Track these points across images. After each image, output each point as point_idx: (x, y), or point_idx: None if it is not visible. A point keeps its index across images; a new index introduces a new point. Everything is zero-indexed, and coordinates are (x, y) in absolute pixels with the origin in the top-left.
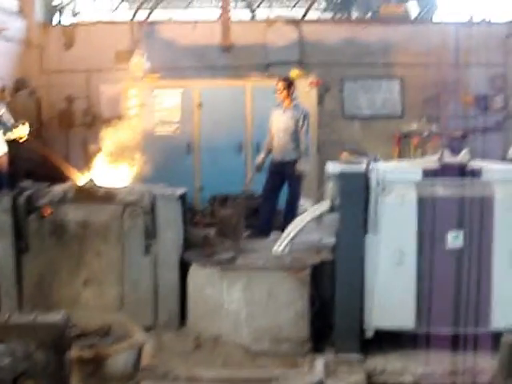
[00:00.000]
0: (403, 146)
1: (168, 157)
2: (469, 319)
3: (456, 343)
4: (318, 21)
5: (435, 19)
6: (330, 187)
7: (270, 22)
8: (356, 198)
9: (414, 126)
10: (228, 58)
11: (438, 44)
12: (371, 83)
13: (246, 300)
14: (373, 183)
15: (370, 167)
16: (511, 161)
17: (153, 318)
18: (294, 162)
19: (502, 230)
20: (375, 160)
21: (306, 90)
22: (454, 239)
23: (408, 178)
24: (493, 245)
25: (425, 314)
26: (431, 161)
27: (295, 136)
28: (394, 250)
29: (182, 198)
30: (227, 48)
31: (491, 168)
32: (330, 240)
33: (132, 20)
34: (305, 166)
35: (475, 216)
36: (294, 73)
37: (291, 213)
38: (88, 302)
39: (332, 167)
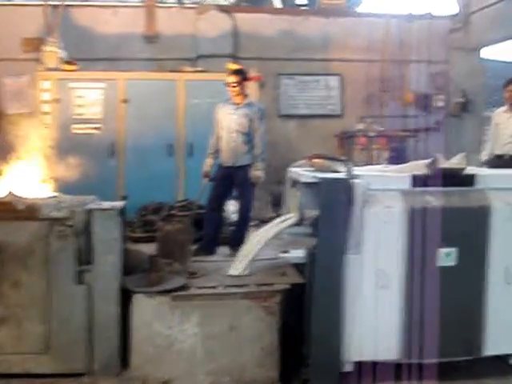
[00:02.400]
0: (347, 146)
1: (87, 160)
2: (460, 346)
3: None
4: (253, 9)
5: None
6: (297, 197)
7: (200, 10)
8: (339, 211)
9: (359, 126)
10: (152, 50)
11: (380, 38)
12: (309, 80)
13: (203, 335)
14: (357, 193)
15: (353, 174)
16: (484, 164)
17: (87, 361)
18: (247, 168)
19: (498, 243)
20: (347, 166)
21: None
22: (446, 257)
23: (395, 187)
24: (488, 261)
25: (411, 343)
26: (420, 166)
27: (249, 137)
28: (378, 272)
29: (121, 212)
30: (151, 38)
31: (486, 174)
32: (289, 256)
33: (44, 3)
34: (260, 173)
35: (470, 229)
36: (229, 66)
37: (243, 226)
38: (4, 345)
39: (302, 174)
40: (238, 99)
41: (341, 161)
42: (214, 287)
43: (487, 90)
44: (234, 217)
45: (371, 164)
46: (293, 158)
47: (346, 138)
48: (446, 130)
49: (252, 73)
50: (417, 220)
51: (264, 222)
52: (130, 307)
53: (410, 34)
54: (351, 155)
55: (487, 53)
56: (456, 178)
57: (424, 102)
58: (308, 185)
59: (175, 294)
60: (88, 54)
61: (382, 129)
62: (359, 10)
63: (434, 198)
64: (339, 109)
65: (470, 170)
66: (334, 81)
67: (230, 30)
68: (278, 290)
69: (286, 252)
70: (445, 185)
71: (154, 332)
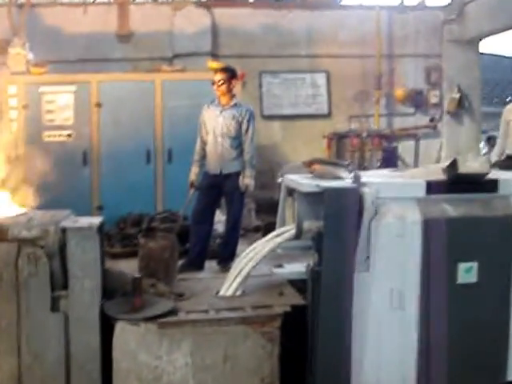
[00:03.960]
0: (337, 148)
1: (59, 169)
2: (484, 373)
3: None
4: (233, 3)
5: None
6: (294, 207)
7: (176, 6)
8: (346, 223)
9: (350, 126)
10: (126, 50)
11: (369, 32)
12: (294, 77)
13: (195, 366)
14: (367, 203)
15: (361, 181)
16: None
17: None
18: (236, 175)
19: None
20: (350, 170)
21: None
22: (466, 272)
23: (408, 195)
24: None
25: (430, 371)
26: (435, 171)
27: (237, 142)
28: (391, 291)
29: (100, 229)
30: (125, 37)
31: (509, 180)
32: (285, 272)
33: (9, 2)
34: (250, 181)
35: (492, 241)
36: (211, 65)
37: (232, 239)
38: None
39: (300, 182)
40: (224, 99)
41: (343, 166)
42: (205, 311)
43: (485, 85)
44: (220, 226)
45: (364, 166)
46: (277, 162)
47: (337, 139)
48: (442, 128)
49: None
50: (433, 232)
51: (248, 230)
52: (112, 336)
53: (402, 26)
54: (342, 157)
55: (482, 46)
56: (477, 184)
57: (417, 99)
58: (306, 194)
59: (162, 320)
60: (58, 55)
61: (375, 128)
62: (347, 1)
63: (453, 207)
64: (327, 108)
65: (493, 173)
66: (320, 78)
67: (208, 27)
68: (277, 313)
69: (280, 267)
70: (464, 191)
71: (140, 363)
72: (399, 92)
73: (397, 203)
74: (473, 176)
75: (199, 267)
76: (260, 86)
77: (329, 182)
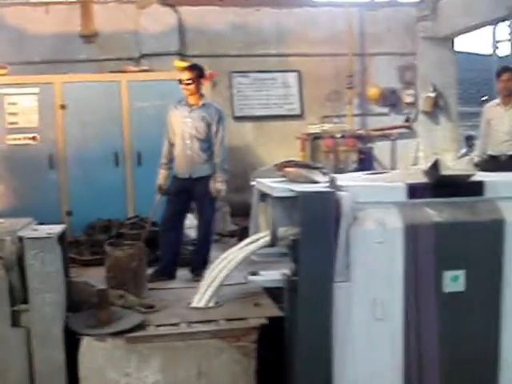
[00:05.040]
0: (311, 149)
1: (25, 173)
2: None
3: None
4: (199, 1)
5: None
6: (268, 213)
7: (141, 4)
8: (323, 230)
9: (324, 126)
10: (91, 50)
11: (341, 30)
12: (265, 77)
13: (167, 383)
14: (345, 208)
15: (337, 185)
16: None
17: None
18: (206, 179)
19: None
20: (324, 173)
21: None
22: (453, 281)
23: (388, 199)
24: (502, 284)
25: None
26: (416, 173)
27: (207, 144)
28: (374, 301)
29: (62, 238)
30: (90, 37)
31: (496, 181)
32: (260, 279)
33: None
34: (221, 185)
35: (479, 247)
36: (178, 64)
37: (204, 247)
38: None
39: (273, 186)
40: (192, 99)
41: (317, 168)
42: (176, 324)
43: (460, 85)
44: (191, 232)
45: (339, 168)
46: (251, 164)
47: (310, 140)
48: (418, 128)
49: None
50: (416, 238)
51: (224, 236)
52: (77, 353)
53: (373, 24)
54: (317, 158)
55: (456, 45)
56: (461, 187)
57: (391, 98)
58: (280, 199)
59: (131, 335)
60: (20, 56)
61: (349, 128)
62: None
63: (436, 212)
64: (299, 108)
65: (477, 175)
66: (291, 78)
67: (174, 26)
68: (253, 326)
69: (255, 274)
70: (448, 195)
71: (108, 381)
72: (372, 91)
73: (377, 208)
74: (457, 178)
75: (170, 276)
76: (230, 86)
77: (303, 186)
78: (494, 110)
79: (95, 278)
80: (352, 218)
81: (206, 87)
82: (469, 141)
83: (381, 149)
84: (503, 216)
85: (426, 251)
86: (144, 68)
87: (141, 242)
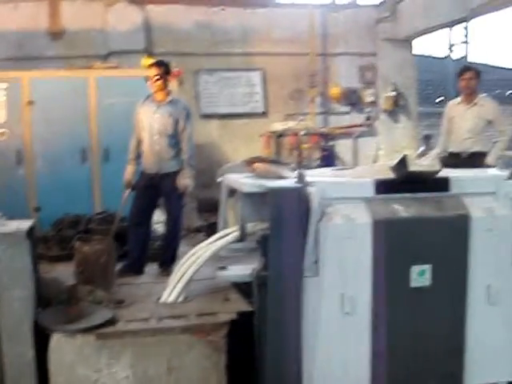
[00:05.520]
0: (275, 146)
1: None
2: (438, 378)
3: None
4: (166, 0)
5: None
6: (237, 208)
7: (108, 2)
8: (293, 226)
9: (288, 124)
10: (59, 47)
11: (303, 30)
12: (230, 76)
13: (137, 379)
14: (313, 203)
15: (306, 180)
16: None
17: None
18: (174, 175)
19: (479, 258)
20: (292, 169)
21: None
22: (419, 276)
23: (356, 195)
24: (467, 279)
25: (382, 377)
26: (383, 169)
27: (174, 140)
28: (342, 296)
29: (30, 233)
30: (58, 34)
31: (460, 177)
32: (229, 274)
33: None
34: (189, 181)
35: (445, 242)
36: (146, 61)
37: (173, 242)
38: None
39: (243, 182)
40: (160, 96)
41: (285, 164)
42: (146, 320)
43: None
44: (158, 227)
45: (303, 165)
46: (217, 160)
47: (274, 138)
48: (378, 126)
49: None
50: (384, 233)
51: (191, 231)
52: (47, 349)
53: (335, 24)
54: (280, 156)
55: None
56: (428, 183)
57: (352, 97)
58: (249, 194)
59: (101, 331)
60: None
61: (312, 126)
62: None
63: (403, 207)
64: (263, 106)
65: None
66: (256, 76)
67: (141, 24)
68: (223, 321)
69: (223, 269)
70: (415, 190)
71: (78, 377)
72: (334, 90)
73: (345, 204)
74: (424, 174)
75: (139, 271)
76: (196, 84)
77: (272, 182)
78: (456, 108)
79: (64, 273)
80: (321, 214)
81: (172, 85)
82: (427, 139)
83: (342, 146)
84: (468, 211)
85: (394, 246)
86: (112, 65)
87: (110, 237)
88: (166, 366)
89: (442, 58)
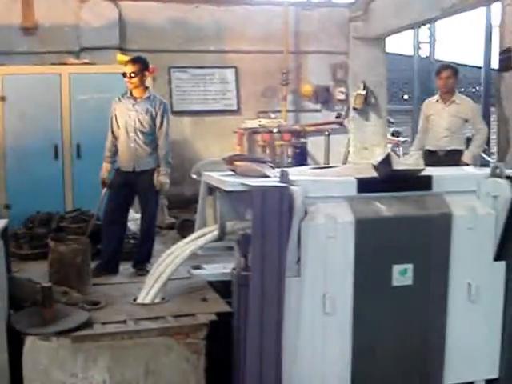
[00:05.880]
0: (248, 143)
1: None
2: (418, 377)
3: None
4: None
5: None
6: (216, 207)
7: None
8: (277, 225)
9: (261, 121)
10: (31, 43)
11: (277, 28)
12: (203, 73)
13: (114, 382)
14: (297, 202)
15: (290, 179)
16: None
17: None
18: (150, 173)
19: (460, 256)
20: (274, 167)
21: None
22: (401, 275)
23: (339, 193)
24: (448, 277)
25: (364, 377)
26: (365, 168)
27: (151, 137)
28: (324, 296)
29: (4, 233)
30: (31, 30)
31: (442, 176)
32: (204, 273)
33: None
34: (165, 178)
35: (428, 241)
36: (120, 58)
37: (148, 241)
38: None
39: (224, 180)
40: (137, 92)
41: (266, 162)
42: (123, 322)
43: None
44: (130, 225)
45: (276, 162)
46: (188, 158)
47: (247, 135)
48: (349, 124)
49: None
50: (366, 233)
51: (162, 228)
52: (21, 352)
53: (308, 23)
54: (253, 153)
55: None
56: (410, 181)
57: (324, 95)
58: (229, 193)
59: (77, 334)
60: None
61: (285, 123)
62: None
63: (386, 206)
64: (235, 103)
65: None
66: (229, 74)
67: (115, 20)
68: (202, 322)
69: (198, 268)
70: (397, 189)
71: (53, 382)
72: (306, 88)
73: (327, 203)
74: (407, 173)
75: (113, 271)
76: (169, 81)
77: (255, 181)
78: (433, 106)
79: (35, 273)
80: (303, 213)
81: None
82: (395, 136)
83: (314, 144)
84: (450, 210)
85: (376, 245)
86: (85, 61)
87: (85, 236)
88: (144, 369)
89: (409, 56)
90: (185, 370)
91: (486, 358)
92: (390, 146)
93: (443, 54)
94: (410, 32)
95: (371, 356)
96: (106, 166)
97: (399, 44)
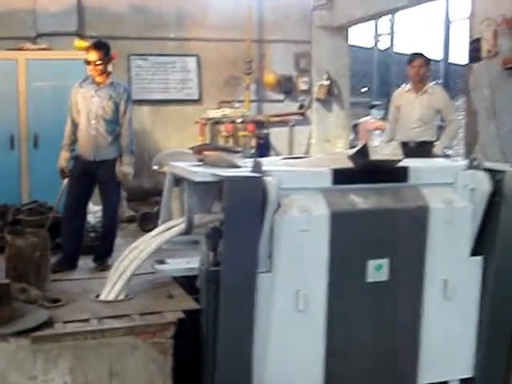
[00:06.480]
0: (210, 134)
1: None
2: (393, 376)
3: None
4: None
5: None
6: (183, 199)
7: None
8: (250, 217)
9: (224, 111)
10: None
11: (240, 16)
12: (164, 61)
13: None
14: (270, 194)
15: (263, 170)
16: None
17: None
18: (111, 163)
19: (437, 251)
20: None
21: None
22: (377, 270)
23: (313, 185)
24: (424, 273)
25: (336, 376)
26: (339, 158)
27: (113, 125)
28: (297, 293)
29: None
30: None
31: (419, 167)
32: (169, 268)
33: None
34: (129, 168)
35: (404, 235)
36: (79, 44)
37: (110, 234)
38: None
39: (193, 170)
40: (100, 78)
41: (237, 152)
42: (86, 321)
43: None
44: (90, 217)
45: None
46: (148, 148)
47: (210, 125)
48: (311, 115)
49: None
50: (341, 226)
51: (122, 221)
52: None
53: (272, 11)
54: (215, 143)
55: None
56: (387, 173)
57: (287, 85)
58: (197, 184)
59: (37, 333)
60: None
61: (249, 114)
62: None
63: (362, 198)
64: (197, 93)
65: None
66: (191, 62)
67: (73, 5)
68: (169, 321)
69: (162, 263)
70: (373, 181)
71: None
72: (269, 78)
73: (301, 194)
74: (385, 163)
75: (73, 266)
76: (129, 69)
77: (226, 171)
78: (404, 96)
79: None
80: (276, 205)
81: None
82: (356, 128)
83: (277, 135)
84: (427, 202)
85: (351, 239)
86: (43, 47)
87: (44, 229)
88: (108, 371)
89: (368, 48)
90: (151, 371)
91: (460, 356)
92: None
93: (402, 47)
94: (369, 24)
95: (345, 355)
96: (64, 155)
97: (358, 36)
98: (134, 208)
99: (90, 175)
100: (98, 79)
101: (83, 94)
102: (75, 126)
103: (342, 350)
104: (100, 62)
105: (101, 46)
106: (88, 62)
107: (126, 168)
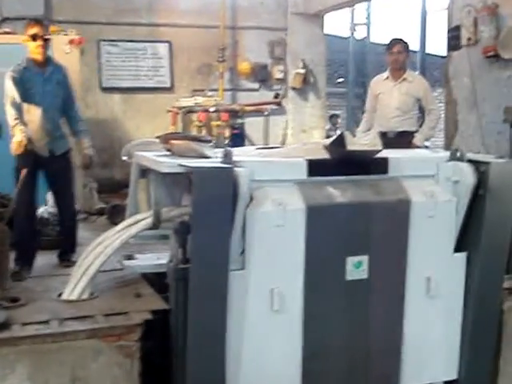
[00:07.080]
0: (183, 123)
1: None
2: (374, 378)
3: None
4: None
5: None
6: (150, 191)
7: None
8: (220, 211)
9: (197, 100)
10: None
11: (214, 1)
12: (135, 47)
13: None
14: (242, 186)
15: (234, 160)
16: None
17: None
18: (67, 153)
19: (419, 247)
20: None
21: (66, 52)
22: (356, 267)
23: (288, 177)
24: (406, 270)
25: (314, 378)
26: (316, 148)
27: (62, 112)
28: (271, 291)
29: None
30: None
31: (400, 159)
32: (137, 264)
33: None
34: (91, 150)
35: (384, 230)
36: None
37: (73, 228)
38: None
39: (159, 161)
40: (43, 60)
41: (206, 141)
42: (46, 322)
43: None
44: (49, 209)
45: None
46: (118, 138)
47: (182, 114)
48: (287, 104)
49: (71, 35)
50: (318, 221)
51: (91, 214)
52: None
53: None
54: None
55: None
56: (366, 164)
57: (261, 74)
58: (164, 175)
59: None
60: None
61: (223, 102)
62: None
63: (340, 191)
64: (169, 81)
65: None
66: (162, 49)
67: None
68: (136, 322)
69: (130, 258)
70: (351, 173)
71: None
72: (243, 66)
73: (275, 187)
74: (363, 154)
75: (30, 263)
76: (98, 55)
77: (194, 161)
78: (382, 84)
79: None
80: (248, 198)
81: (74, 55)
82: (333, 119)
83: (250, 125)
84: (408, 196)
85: (329, 235)
86: (7, 30)
87: (3, 223)
88: (70, 377)
89: (345, 38)
90: (116, 376)
91: (444, 357)
92: (327, 126)
93: (379, 37)
94: (346, 13)
95: (323, 356)
96: (21, 129)
97: (334, 25)
98: (105, 200)
99: (41, 168)
100: (42, 62)
101: (32, 82)
102: (24, 112)
103: (320, 352)
104: (48, 37)
105: (42, 22)
106: (33, 38)
107: (89, 150)
